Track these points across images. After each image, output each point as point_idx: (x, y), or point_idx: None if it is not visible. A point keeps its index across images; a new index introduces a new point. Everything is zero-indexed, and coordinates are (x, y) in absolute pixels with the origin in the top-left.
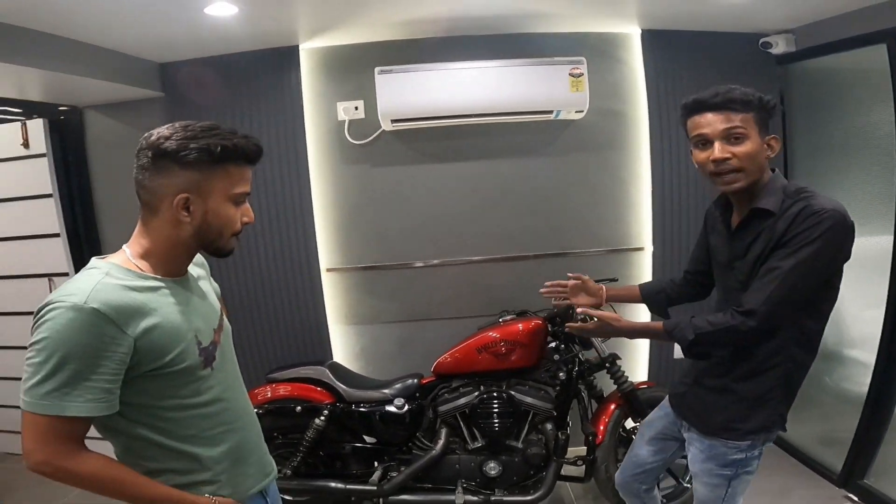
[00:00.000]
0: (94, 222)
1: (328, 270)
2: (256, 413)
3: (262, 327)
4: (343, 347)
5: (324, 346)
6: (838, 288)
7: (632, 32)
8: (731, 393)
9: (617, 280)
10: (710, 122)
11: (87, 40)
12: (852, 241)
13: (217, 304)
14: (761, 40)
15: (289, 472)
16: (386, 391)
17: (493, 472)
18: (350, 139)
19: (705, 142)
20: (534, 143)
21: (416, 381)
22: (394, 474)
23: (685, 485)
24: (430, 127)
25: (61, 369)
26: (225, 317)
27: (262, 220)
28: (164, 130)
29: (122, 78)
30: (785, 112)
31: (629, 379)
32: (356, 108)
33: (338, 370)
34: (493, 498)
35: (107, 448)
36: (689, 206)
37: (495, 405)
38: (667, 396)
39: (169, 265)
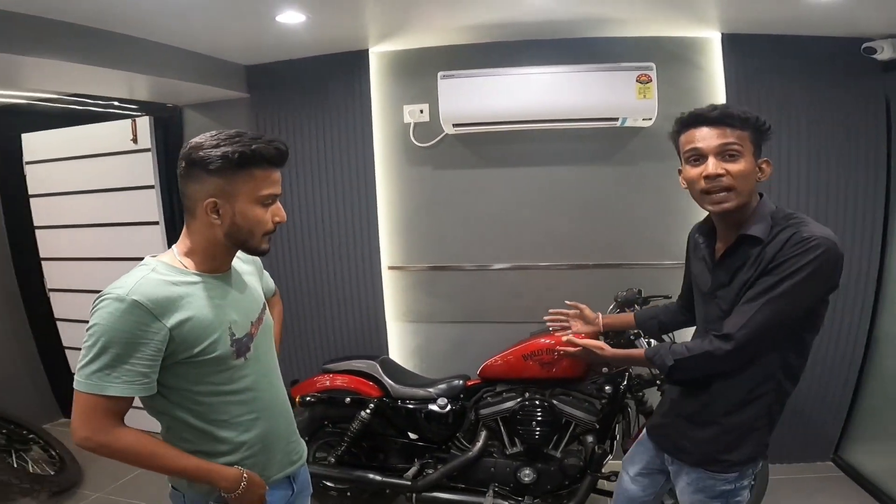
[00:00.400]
0: None
1: (390, 268)
2: (310, 401)
3: (324, 318)
4: (399, 344)
5: (381, 342)
6: (823, 317)
7: (710, 37)
8: (715, 425)
9: (670, 297)
10: (706, 137)
11: (183, 46)
12: (841, 270)
13: (260, 299)
14: (864, 45)
15: (333, 459)
16: (431, 390)
17: (526, 479)
18: (415, 141)
19: (698, 157)
20: (599, 150)
21: (461, 382)
22: (430, 471)
23: None
24: (493, 131)
25: (104, 353)
26: (268, 312)
27: (330, 217)
28: (196, 140)
29: (212, 80)
30: (890, 124)
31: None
32: (421, 112)
33: (388, 366)
34: None
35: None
36: None
37: (537, 413)
38: (644, 430)
39: (209, 262)
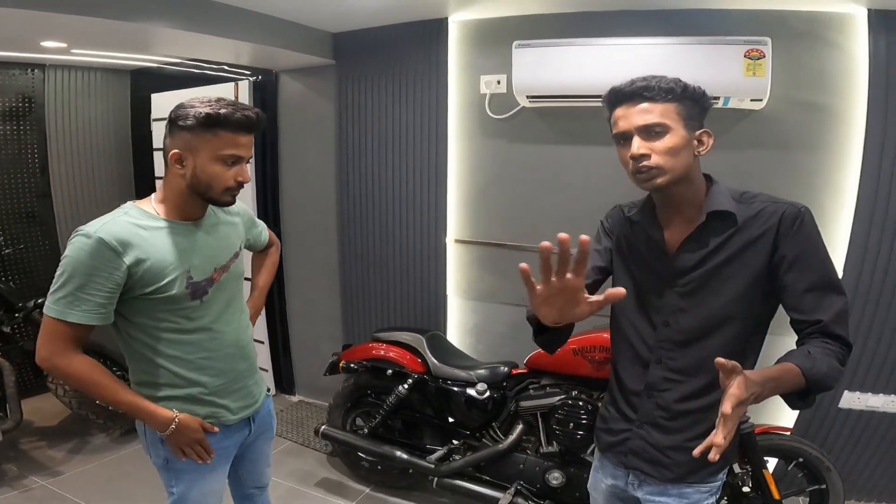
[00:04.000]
0: (277, 172)
1: (455, 241)
2: (354, 368)
3: (386, 286)
4: (458, 320)
5: (439, 316)
6: None
7: (853, 12)
8: (701, 424)
9: None
10: (627, 115)
11: (276, 14)
12: None
13: (231, 249)
14: None
15: (366, 430)
16: (473, 373)
17: (555, 483)
18: (490, 113)
19: (625, 138)
20: None
21: (506, 369)
22: (457, 457)
23: None
24: (572, 106)
25: (69, 283)
26: (240, 262)
27: (401, 184)
28: (184, 102)
29: (303, 47)
30: None
31: (750, 419)
32: (498, 83)
33: (436, 342)
34: None
35: None
36: None
37: (580, 413)
38: (596, 454)
39: (179, 210)
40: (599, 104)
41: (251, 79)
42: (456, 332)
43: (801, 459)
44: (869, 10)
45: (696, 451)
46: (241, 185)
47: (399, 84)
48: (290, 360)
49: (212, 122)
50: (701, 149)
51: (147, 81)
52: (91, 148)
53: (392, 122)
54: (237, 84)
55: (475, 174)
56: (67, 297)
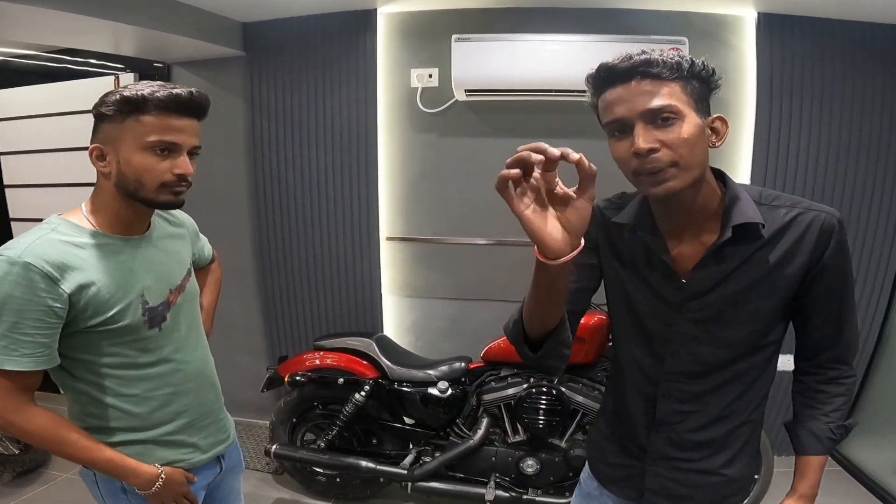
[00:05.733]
0: None
1: (388, 239)
2: (300, 381)
3: (316, 289)
4: (395, 319)
5: (375, 316)
6: None
7: (744, 15)
8: (723, 452)
9: None
10: (622, 98)
11: None
12: None
13: (184, 265)
14: None
15: (322, 444)
16: (431, 372)
17: (529, 470)
18: (422, 107)
19: (623, 128)
20: None
21: (463, 364)
22: (427, 459)
23: None
24: (506, 100)
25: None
26: (194, 279)
27: (327, 182)
28: (113, 90)
29: (206, 36)
30: None
31: None
32: (430, 76)
33: (385, 344)
34: (525, 497)
35: None
36: None
37: (543, 400)
38: (588, 480)
39: (116, 221)
40: (536, 98)
41: (139, 73)
42: (394, 331)
43: None
44: (758, 14)
45: None
46: (181, 179)
47: (323, 77)
48: None
49: (133, 106)
50: (716, 139)
51: None
52: None
53: (315, 118)
54: (118, 78)
55: (406, 169)
56: (1, 340)
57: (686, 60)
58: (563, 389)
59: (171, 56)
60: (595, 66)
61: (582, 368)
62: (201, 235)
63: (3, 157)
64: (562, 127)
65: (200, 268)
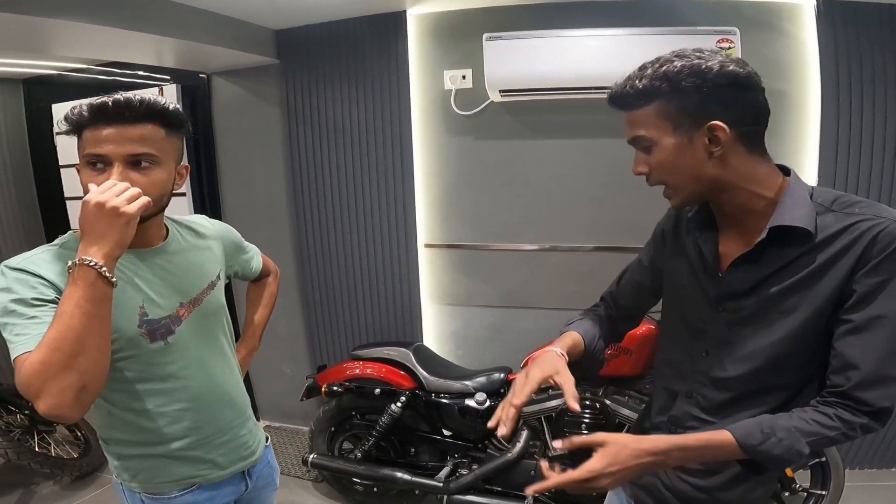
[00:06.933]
0: (216, 183)
1: (426, 246)
2: (337, 391)
3: (355, 299)
4: (434, 328)
5: (415, 325)
6: None
7: (801, 2)
8: (722, 472)
9: None
10: (626, 125)
11: (211, 8)
12: None
13: (205, 279)
14: None
15: (359, 454)
16: (468, 383)
17: None
18: (456, 109)
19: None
20: None
21: (502, 375)
22: (464, 472)
23: None
24: (544, 100)
25: (7, 316)
26: (218, 293)
27: (363, 190)
28: None
29: (240, 45)
30: None
31: None
32: (463, 77)
33: (422, 354)
34: None
35: None
36: None
37: (586, 413)
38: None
39: None
40: (574, 97)
41: (181, 84)
42: (434, 341)
43: None
44: (817, 1)
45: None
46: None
47: (356, 82)
48: (249, 384)
49: (74, 124)
50: (714, 148)
51: (45, 91)
52: None
53: (350, 124)
54: (161, 90)
55: (443, 174)
56: (13, 330)
57: (656, 78)
58: (608, 402)
59: (210, 66)
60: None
61: (628, 380)
62: (248, 247)
63: (63, 169)
64: (601, 126)
65: (251, 281)
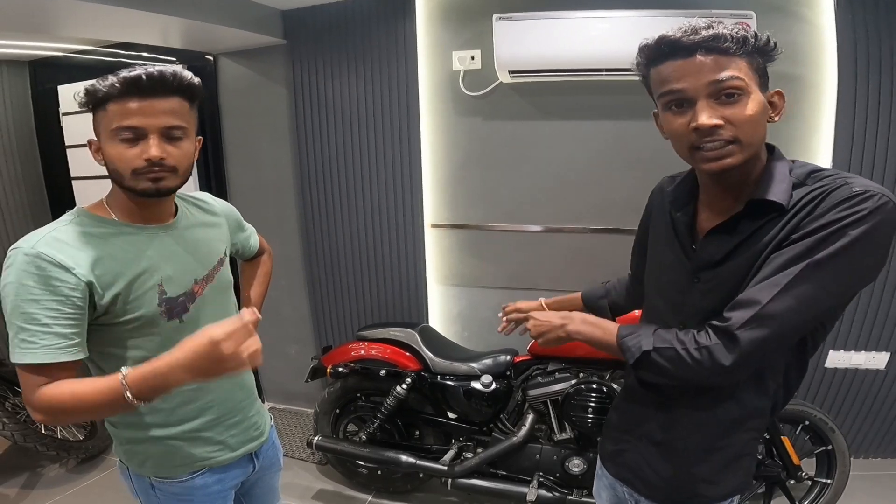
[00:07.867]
0: (223, 163)
1: (433, 226)
2: (342, 372)
3: (360, 279)
4: (441, 308)
5: (420, 306)
6: (837, 319)
7: None
8: (693, 451)
9: None
10: (685, 72)
11: None
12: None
13: (215, 255)
14: None
15: (363, 437)
16: (475, 365)
17: (575, 470)
18: (465, 90)
19: (681, 102)
20: None
21: (509, 357)
22: (469, 455)
23: None
24: (553, 81)
25: (17, 315)
26: (225, 270)
27: (370, 169)
28: None
29: (246, 24)
30: None
31: None
32: (472, 58)
33: (428, 335)
34: (569, 497)
35: None
36: None
37: (592, 397)
38: (599, 463)
39: (133, 210)
40: (584, 79)
41: (186, 64)
42: (440, 321)
43: (806, 423)
44: None
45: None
46: (154, 164)
47: (362, 63)
48: None
49: (95, 98)
50: (774, 115)
51: (51, 73)
52: None
53: (357, 104)
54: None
55: (450, 154)
56: (22, 332)
57: (752, 35)
58: (615, 386)
59: (216, 47)
60: (653, 37)
61: None
62: (246, 226)
63: (69, 150)
64: (612, 108)
65: (247, 259)
